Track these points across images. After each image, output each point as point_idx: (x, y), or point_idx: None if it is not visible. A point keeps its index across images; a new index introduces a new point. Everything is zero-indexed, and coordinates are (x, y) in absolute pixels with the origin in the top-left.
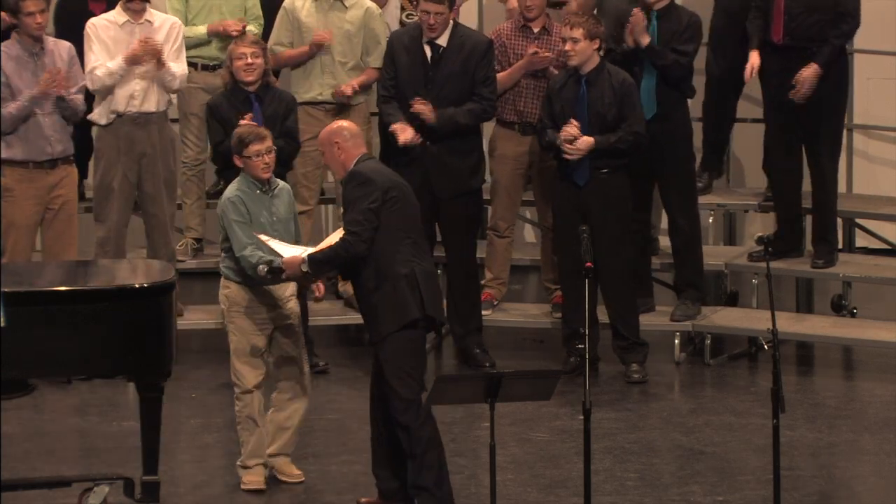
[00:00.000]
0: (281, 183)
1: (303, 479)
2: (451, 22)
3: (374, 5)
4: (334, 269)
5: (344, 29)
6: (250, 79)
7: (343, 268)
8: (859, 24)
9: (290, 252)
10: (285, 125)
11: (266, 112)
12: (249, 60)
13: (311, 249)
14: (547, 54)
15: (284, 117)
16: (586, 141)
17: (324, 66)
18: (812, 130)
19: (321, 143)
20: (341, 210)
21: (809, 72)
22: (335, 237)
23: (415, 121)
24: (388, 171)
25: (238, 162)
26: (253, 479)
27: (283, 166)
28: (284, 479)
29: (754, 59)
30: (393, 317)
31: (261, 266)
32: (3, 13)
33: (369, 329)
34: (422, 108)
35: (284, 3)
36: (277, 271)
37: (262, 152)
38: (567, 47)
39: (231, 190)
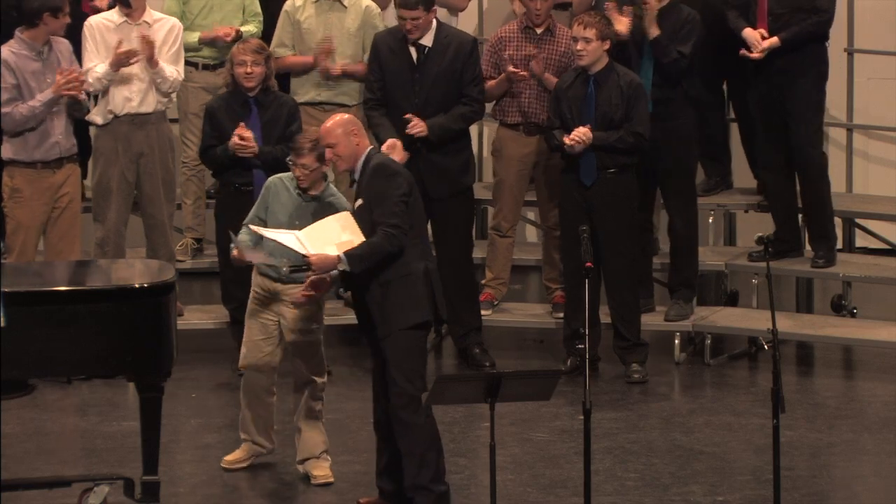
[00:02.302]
0: (333, 197)
1: (328, 479)
2: (434, 22)
3: (373, 4)
4: (372, 265)
5: (344, 29)
6: (250, 85)
7: (380, 263)
8: (831, 20)
9: (290, 241)
10: (288, 131)
11: (264, 117)
12: (249, 69)
13: (302, 235)
14: (523, 74)
15: (287, 123)
16: (586, 133)
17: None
18: (796, 128)
19: (330, 135)
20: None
21: (770, 41)
22: (337, 231)
23: (405, 127)
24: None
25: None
26: (232, 456)
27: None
28: (312, 481)
29: (752, 33)
30: (407, 314)
31: (284, 268)
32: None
33: (379, 324)
34: (415, 128)
35: (285, 6)
36: (300, 269)
37: (296, 163)
38: (578, 47)
39: (280, 175)
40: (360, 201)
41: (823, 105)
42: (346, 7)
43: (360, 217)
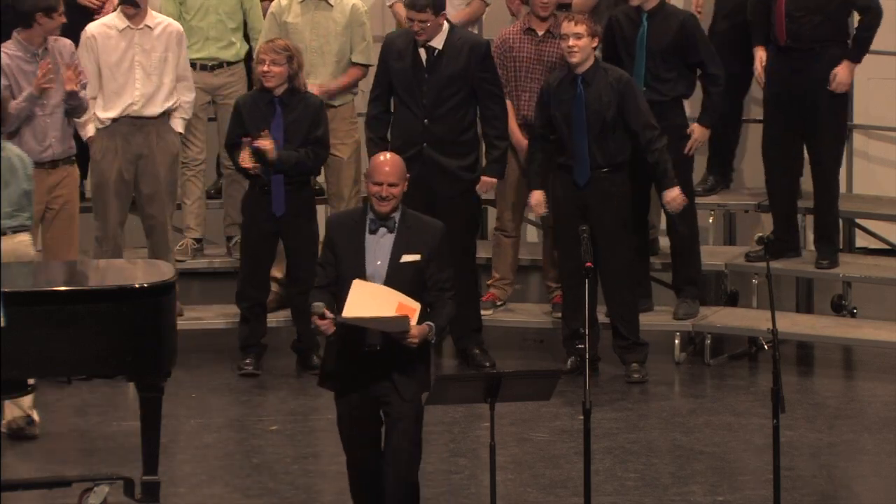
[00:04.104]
0: None
1: None
2: (446, 25)
3: (359, 2)
4: None
5: (330, 28)
6: (269, 85)
7: None
8: (881, 13)
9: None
10: (315, 134)
11: (288, 118)
12: (267, 67)
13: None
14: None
15: (312, 124)
16: (677, 198)
17: (311, 66)
18: (814, 129)
19: (394, 175)
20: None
21: (841, 68)
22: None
23: (408, 125)
24: None
25: None
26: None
27: (313, 174)
28: None
29: (760, 55)
30: (429, 374)
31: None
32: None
33: (406, 384)
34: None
35: (271, 7)
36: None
37: None
38: (570, 43)
39: None
40: (416, 256)
41: (841, 105)
42: (331, 6)
43: (408, 271)
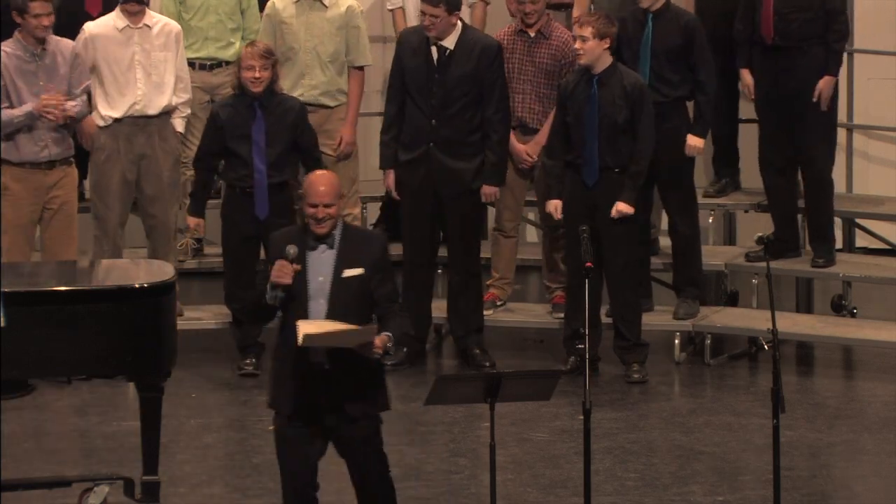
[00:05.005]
0: None
1: None
2: (459, 25)
3: (354, 3)
4: None
5: (325, 29)
6: (257, 90)
7: None
8: (848, 20)
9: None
10: (303, 139)
11: (269, 120)
12: (258, 74)
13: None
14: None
15: (295, 126)
16: (623, 213)
17: (306, 67)
18: (803, 128)
19: (329, 195)
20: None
21: (823, 83)
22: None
23: (417, 124)
24: None
25: None
26: None
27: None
28: None
29: (746, 77)
30: (387, 396)
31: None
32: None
33: (369, 401)
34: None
35: (266, 10)
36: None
37: None
38: (577, 45)
39: None
40: (359, 270)
41: (835, 107)
42: (326, 7)
43: (353, 286)
